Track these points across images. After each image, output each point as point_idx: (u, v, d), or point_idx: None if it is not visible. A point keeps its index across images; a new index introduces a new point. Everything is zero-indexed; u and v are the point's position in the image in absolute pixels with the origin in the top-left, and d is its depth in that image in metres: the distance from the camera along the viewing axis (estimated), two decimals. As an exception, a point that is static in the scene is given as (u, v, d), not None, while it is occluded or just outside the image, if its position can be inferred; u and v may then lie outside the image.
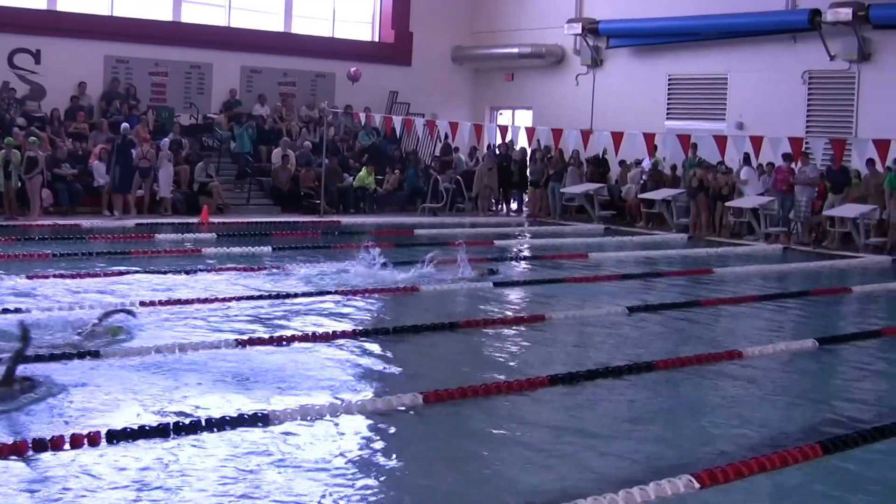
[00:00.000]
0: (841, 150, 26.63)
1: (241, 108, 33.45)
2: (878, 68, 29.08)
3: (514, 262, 21.30)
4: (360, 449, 8.61)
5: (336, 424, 9.08)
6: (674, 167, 30.97)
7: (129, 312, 13.05)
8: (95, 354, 11.10)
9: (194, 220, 25.68)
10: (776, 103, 30.70)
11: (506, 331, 13.73)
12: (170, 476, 7.68)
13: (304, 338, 12.36)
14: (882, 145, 25.15)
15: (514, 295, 17.25)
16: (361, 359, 11.64)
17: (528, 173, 33.35)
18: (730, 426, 9.75)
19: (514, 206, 34.49)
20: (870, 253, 25.29)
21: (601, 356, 12.24)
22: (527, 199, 33.73)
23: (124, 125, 27.76)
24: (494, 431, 9.32)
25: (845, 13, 28.52)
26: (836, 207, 26.51)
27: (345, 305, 15.17)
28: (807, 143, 27.40)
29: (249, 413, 9.07)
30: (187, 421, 8.80)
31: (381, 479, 7.97)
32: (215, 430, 8.71)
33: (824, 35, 29.57)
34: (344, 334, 12.73)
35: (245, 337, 12.13)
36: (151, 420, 8.89)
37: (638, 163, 31.70)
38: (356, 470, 8.05)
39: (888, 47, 28.89)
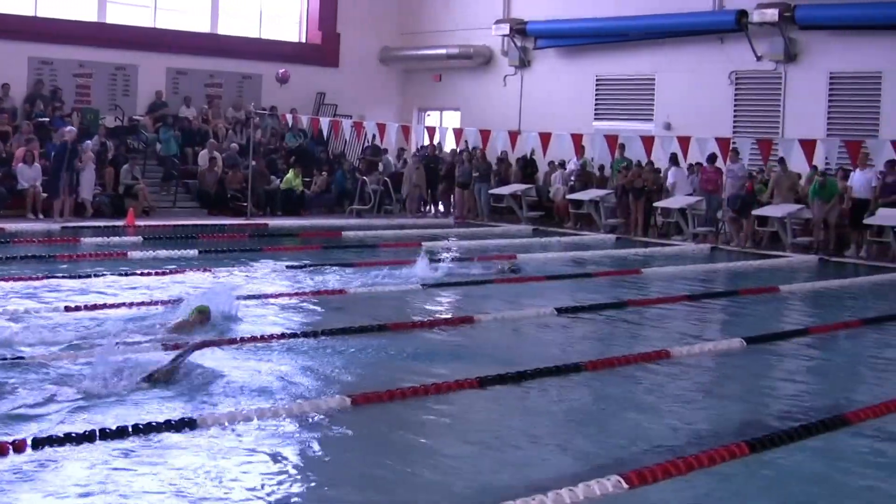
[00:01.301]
0: (767, 150, 26.85)
1: (166, 109, 33.22)
2: (804, 68, 29.41)
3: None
4: (286, 453, 8.47)
5: (263, 428, 8.97)
6: (602, 167, 31.12)
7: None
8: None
9: (120, 222, 25.43)
10: (703, 104, 30.95)
11: (435, 332, 13.66)
12: (95, 482, 7.55)
13: (231, 341, 12.23)
14: (808, 145, 25.38)
15: (443, 296, 17.19)
16: (290, 361, 11.50)
17: (455, 174, 33.36)
18: (658, 426, 9.75)
19: (441, 207, 34.45)
20: (797, 252, 25.52)
21: (530, 357, 12.17)
22: (454, 201, 33.66)
23: (70, 128, 27.44)
24: (422, 434, 9.27)
25: (771, 14, 28.83)
26: (765, 207, 26.74)
27: (272, 308, 15.05)
28: (734, 143, 27.60)
29: (176, 418, 8.94)
30: (114, 427, 8.65)
31: (307, 483, 7.89)
32: (142, 435, 8.56)
33: (751, 36, 29.85)
34: (272, 337, 12.62)
35: (172, 342, 11.98)
36: (79, 427, 8.73)
37: (562, 164, 31.81)
38: (280, 475, 7.95)
39: (814, 48, 29.22)
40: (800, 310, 18.04)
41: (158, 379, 10.24)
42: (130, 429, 8.61)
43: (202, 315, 12.85)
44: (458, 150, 33.88)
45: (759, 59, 30.24)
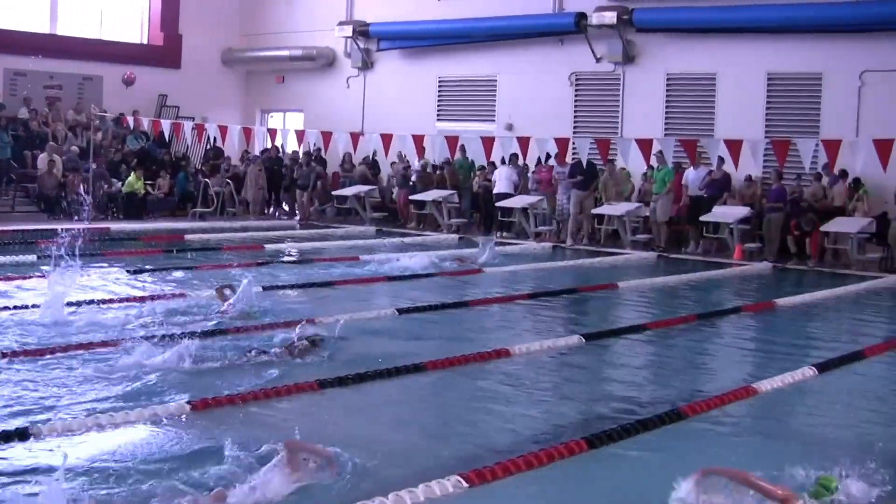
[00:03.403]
0: (606, 149, 27.24)
1: (4, 112, 32.55)
2: (642, 70, 29.97)
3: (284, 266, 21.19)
4: (123, 463, 8.31)
5: (102, 437, 8.85)
6: (443, 168, 31.30)
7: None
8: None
9: (-43, 228, 24.94)
10: (544, 104, 31.34)
11: (276, 335, 13.53)
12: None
13: (68, 348, 12.04)
14: (645, 144, 25.82)
15: (285, 298, 17.08)
16: (129, 368, 11.34)
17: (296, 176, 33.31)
18: (498, 424, 9.83)
19: (286, 208, 34.35)
20: (636, 249, 25.98)
21: (370, 358, 12.13)
22: (298, 203, 33.53)
23: None
24: (260, 440, 9.10)
25: (610, 17, 29.29)
26: (604, 206, 27.23)
27: (111, 313, 14.82)
28: (573, 143, 27.94)
29: (9, 428, 8.81)
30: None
31: (138, 491, 7.76)
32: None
33: (590, 38, 30.29)
34: (111, 342, 12.40)
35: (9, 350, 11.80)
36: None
37: (403, 165, 31.97)
38: (117, 485, 7.79)
39: (651, 49, 29.78)
40: (638, 306, 18.31)
41: (296, 350, 12.23)
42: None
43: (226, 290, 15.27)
44: (299, 153, 33.87)
45: (598, 60, 30.72)
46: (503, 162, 29.35)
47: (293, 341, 12.46)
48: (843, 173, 25.34)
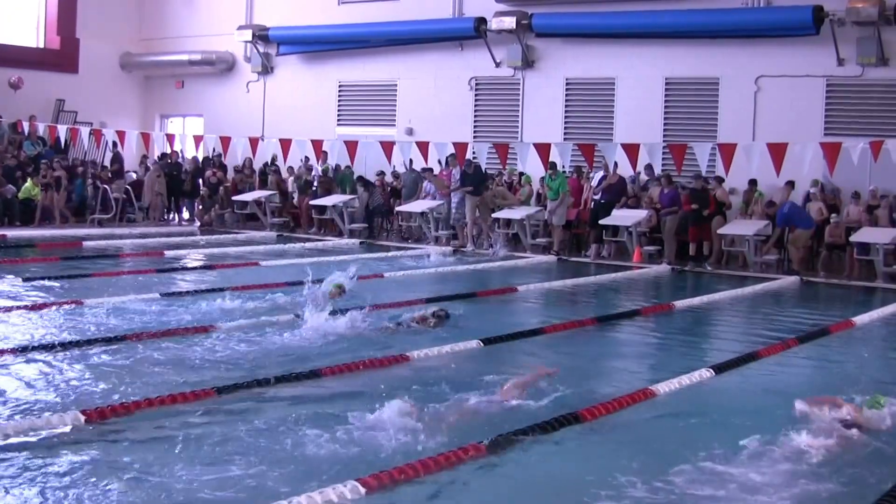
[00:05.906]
0: (505, 154, 27.35)
1: None
2: (541, 75, 30.15)
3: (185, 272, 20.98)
4: (8, 474, 8.14)
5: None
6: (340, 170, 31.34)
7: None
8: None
9: None
10: (445, 109, 31.46)
11: (172, 343, 13.37)
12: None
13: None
14: (543, 149, 25.94)
15: (182, 307, 16.81)
16: (23, 376, 11.18)
17: (200, 181, 33.06)
18: (395, 430, 9.78)
19: (186, 214, 34.08)
20: (536, 253, 26.09)
21: (267, 366, 12.14)
22: (198, 208, 33.26)
23: None
24: (150, 451, 8.86)
25: (509, 22, 29.46)
26: (504, 210, 27.33)
27: (4, 321, 14.60)
28: (473, 148, 28.01)
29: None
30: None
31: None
32: None
33: (490, 43, 30.39)
34: (4, 351, 12.23)
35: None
36: None
37: (310, 170, 31.90)
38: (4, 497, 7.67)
39: (550, 54, 29.98)
40: (537, 309, 18.40)
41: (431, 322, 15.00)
42: None
43: (339, 289, 16.04)
44: (201, 158, 33.65)
45: (497, 65, 30.85)
46: (408, 167, 29.37)
47: (426, 315, 15.17)
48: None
